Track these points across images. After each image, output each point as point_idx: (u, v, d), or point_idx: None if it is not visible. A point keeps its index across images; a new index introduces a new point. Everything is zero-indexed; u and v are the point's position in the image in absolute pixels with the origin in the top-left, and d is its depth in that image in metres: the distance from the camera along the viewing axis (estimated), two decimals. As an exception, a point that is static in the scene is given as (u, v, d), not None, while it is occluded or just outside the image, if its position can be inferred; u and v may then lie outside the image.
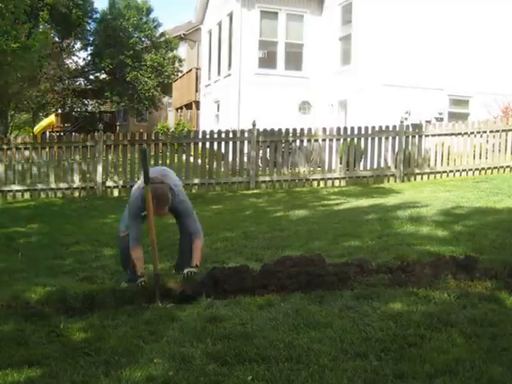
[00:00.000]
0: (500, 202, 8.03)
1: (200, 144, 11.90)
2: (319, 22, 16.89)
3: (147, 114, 33.44)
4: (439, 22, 14.38)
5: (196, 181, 11.65)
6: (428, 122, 12.60)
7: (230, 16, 17.45)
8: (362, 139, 11.92)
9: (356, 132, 11.93)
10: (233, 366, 2.92)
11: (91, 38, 31.15)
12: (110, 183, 11.49)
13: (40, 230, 7.90)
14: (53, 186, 11.34)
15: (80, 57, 32.65)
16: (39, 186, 11.34)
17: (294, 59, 17.44)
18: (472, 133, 12.09)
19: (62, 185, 11.37)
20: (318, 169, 11.96)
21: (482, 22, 14.53)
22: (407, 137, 11.95)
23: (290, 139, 11.97)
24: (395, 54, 14.29)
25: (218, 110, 19.25)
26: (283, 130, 11.85)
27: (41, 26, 20.59)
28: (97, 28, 30.49)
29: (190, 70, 24.55)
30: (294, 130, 11.90)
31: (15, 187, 11.27)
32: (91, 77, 32.60)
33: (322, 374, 2.79)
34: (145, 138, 11.70)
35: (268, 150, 11.91)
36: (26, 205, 10.50)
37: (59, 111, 34.06)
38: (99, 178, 11.37)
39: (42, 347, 3.30)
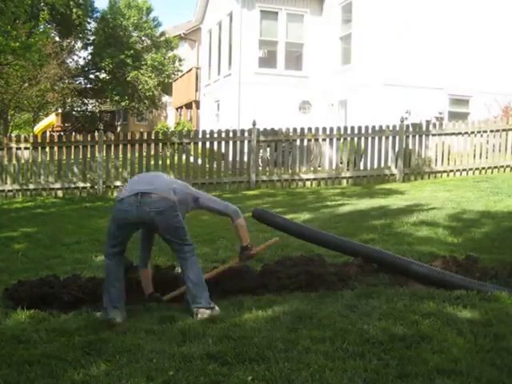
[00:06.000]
0: (500, 201, 8.03)
1: (200, 144, 11.90)
2: (319, 22, 16.88)
3: (147, 114, 33.44)
4: (439, 21, 14.36)
5: (196, 181, 11.64)
6: (428, 121, 12.59)
7: (230, 16, 17.45)
8: (363, 139, 11.92)
9: (356, 132, 11.92)
10: (233, 366, 2.92)
11: (91, 38, 31.15)
12: (110, 183, 11.49)
13: (40, 229, 7.89)
14: (53, 186, 11.34)
15: (80, 56, 32.52)
16: (39, 186, 11.34)
17: (294, 59, 17.46)
18: (472, 132, 12.09)
19: (62, 185, 11.38)
20: (319, 168, 11.96)
21: (482, 22, 14.51)
22: (407, 136, 11.95)
23: (290, 139, 11.96)
24: (395, 54, 14.27)
25: (218, 110, 19.24)
26: (283, 130, 11.85)
27: (41, 26, 20.58)
28: (97, 27, 30.49)
29: (190, 70, 24.56)
30: (295, 129, 11.90)
31: (15, 187, 11.28)
32: (91, 76, 32.59)
33: (323, 373, 2.79)
34: (145, 137, 11.71)
35: (268, 149, 11.92)
36: (27, 205, 10.50)
37: (59, 111, 34.06)
38: (99, 178, 11.37)
39: (43, 346, 3.31)
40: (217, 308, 3.80)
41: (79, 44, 31.29)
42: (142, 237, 4.11)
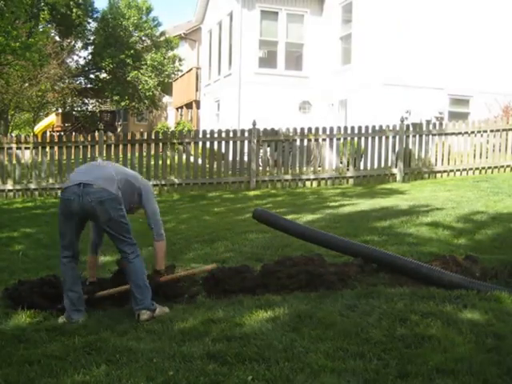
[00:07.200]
0: (500, 201, 8.03)
1: (200, 143, 11.91)
2: (319, 22, 16.89)
3: (147, 114, 33.45)
4: (439, 21, 14.37)
5: (196, 181, 11.65)
6: (428, 121, 12.59)
7: (231, 16, 17.45)
8: (363, 139, 11.92)
9: (356, 131, 11.92)
10: (233, 366, 2.92)
11: (92, 38, 31.18)
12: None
13: (40, 229, 7.90)
14: (53, 186, 11.34)
15: (80, 56, 32.57)
16: (40, 186, 11.34)
17: (295, 59, 17.47)
18: (472, 132, 12.09)
19: (63, 185, 11.36)
20: (319, 169, 11.96)
21: (482, 22, 14.51)
22: (407, 136, 11.95)
23: (291, 139, 11.96)
24: (395, 54, 14.28)
25: (219, 110, 19.26)
26: (283, 130, 11.85)
27: (41, 26, 20.62)
28: (97, 27, 30.51)
29: (191, 70, 24.57)
30: (295, 129, 11.90)
31: (15, 187, 11.28)
32: (91, 76, 32.61)
33: (322, 373, 2.79)
34: (145, 137, 11.71)
35: (268, 149, 11.92)
36: (27, 205, 10.51)
37: (59, 111, 34.09)
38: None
39: (43, 346, 3.31)
40: (163, 308, 3.87)
41: (79, 44, 31.35)
42: (93, 223, 4.15)
